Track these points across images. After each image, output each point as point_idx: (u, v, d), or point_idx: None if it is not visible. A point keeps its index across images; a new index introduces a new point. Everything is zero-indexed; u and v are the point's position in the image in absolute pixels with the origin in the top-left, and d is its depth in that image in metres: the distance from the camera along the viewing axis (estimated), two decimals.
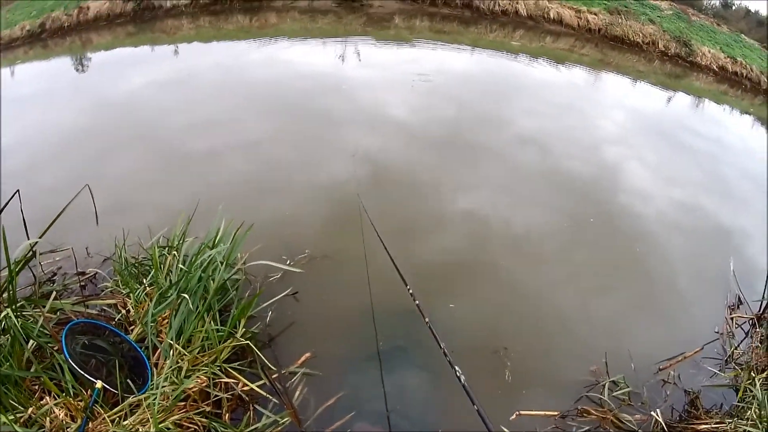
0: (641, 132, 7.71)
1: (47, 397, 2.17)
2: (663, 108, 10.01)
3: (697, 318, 3.77)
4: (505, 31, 12.80)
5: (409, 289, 2.63)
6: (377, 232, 3.23)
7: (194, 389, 2.36)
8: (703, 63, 13.53)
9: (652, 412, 2.78)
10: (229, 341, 2.61)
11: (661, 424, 2.71)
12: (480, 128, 6.46)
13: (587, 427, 2.73)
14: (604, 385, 2.95)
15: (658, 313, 3.73)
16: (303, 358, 2.82)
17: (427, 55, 10.10)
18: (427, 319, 2.37)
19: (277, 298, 3.09)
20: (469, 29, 12.41)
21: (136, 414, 2.15)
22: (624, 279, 4.09)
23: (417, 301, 2.52)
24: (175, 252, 2.90)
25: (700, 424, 2.78)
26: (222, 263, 2.75)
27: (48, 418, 2.09)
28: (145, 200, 4.05)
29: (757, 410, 2.74)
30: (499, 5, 13.37)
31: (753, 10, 17.59)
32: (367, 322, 3.05)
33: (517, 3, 13.43)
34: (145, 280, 2.84)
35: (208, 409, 2.36)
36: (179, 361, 2.41)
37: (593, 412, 2.81)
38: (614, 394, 2.93)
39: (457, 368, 1.99)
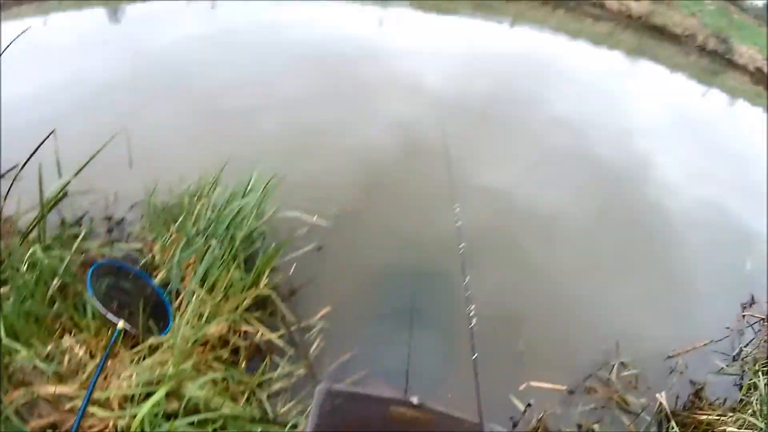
0: (673, 125, 7.57)
1: (68, 336, 2.20)
2: (697, 102, 9.83)
3: (712, 314, 3.76)
4: (545, 11, 12.80)
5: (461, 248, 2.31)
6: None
7: (214, 334, 2.42)
8: (740, 62, 13.09)
9: (657, 395, 2.81)
10: (251, 290, 2.68)
11: (665, 409, 2.75)
12: (514, 106, 6.53)
13: (593, 405, 2.79)
14: (613, 366, 3.00)
15: (673, 305, 3.76)
16: (322, 312, 2.88)
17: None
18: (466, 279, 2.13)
19: (301, 251, 3.20)
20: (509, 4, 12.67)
21: (156, 354, 2.20)
22: (643, 269, 4.11)
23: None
24: (205, 199, 2.95)
25: (702, 414, 2.81)
26: (251, 212, 2.81)
27: (68, 356, 2.12)
28: (177, 153, 4.02)
29: (758, 405, 2.76)
30: None
31: None
32: (389, 281, 3.14)
33: None
34: (172, 227, 2.88)
35: (225, 356, 2.42)
36: (201, 306, 2.45)
37: (600, 390, 2.86)
38: (623, 374, 2.99)
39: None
